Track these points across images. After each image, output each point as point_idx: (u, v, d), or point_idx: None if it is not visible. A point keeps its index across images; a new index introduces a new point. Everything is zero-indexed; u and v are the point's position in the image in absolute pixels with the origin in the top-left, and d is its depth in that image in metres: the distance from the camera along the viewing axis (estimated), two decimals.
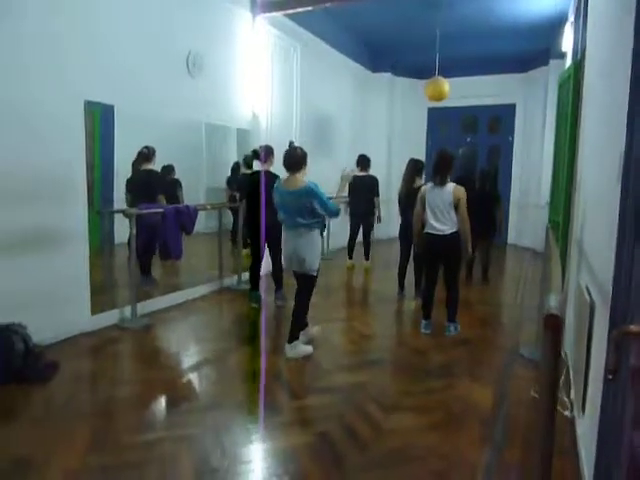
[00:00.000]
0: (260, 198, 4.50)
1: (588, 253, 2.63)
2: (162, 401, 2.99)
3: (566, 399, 2.93)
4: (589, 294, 2.38)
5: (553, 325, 1.25)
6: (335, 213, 3.64)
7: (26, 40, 3.38)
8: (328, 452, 2.41)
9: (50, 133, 3.61)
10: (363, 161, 6.55)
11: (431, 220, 4.10)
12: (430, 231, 4.11)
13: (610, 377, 0.95)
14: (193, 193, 5.62)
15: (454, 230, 4.04)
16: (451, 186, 4.05)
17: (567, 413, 2.78)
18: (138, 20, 4.31)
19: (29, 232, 3.52)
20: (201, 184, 6.02)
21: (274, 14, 5.90)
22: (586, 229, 2.89)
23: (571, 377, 3.12)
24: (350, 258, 6.90)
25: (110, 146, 4.52)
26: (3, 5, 3.23)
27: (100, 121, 4.27)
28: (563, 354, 3.64)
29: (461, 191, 4.03)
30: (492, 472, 2.28)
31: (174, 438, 2.49)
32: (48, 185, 3.63)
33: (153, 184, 4.82)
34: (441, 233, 4.04)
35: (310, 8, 5.67)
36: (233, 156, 6.01)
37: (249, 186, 4.84)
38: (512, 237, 9.61)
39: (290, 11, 5.87)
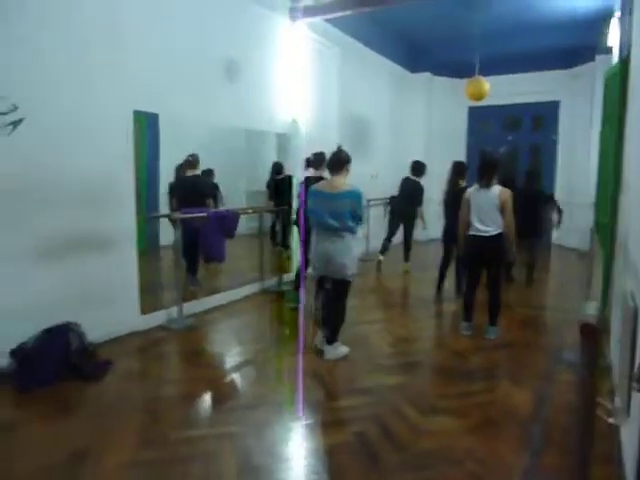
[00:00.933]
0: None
1: (633, 257, 2.57)
2: (206, 399, 3.11)
3: (611, 406, 2.87)
4: (633, 300, 2.33)
5: (589, 333, 1.26)
6: (361, 222, 3.63)
7: (82, 57, 3.60)
8: (366, 452, 2.46)
9: (103, 142, 3.82)
10: (415, 166, 6.69)
11: (476, 222, 4.08)
12: (474, 233, 4.10)
13: (636, 387, 0.97)
14: (235, 196, 5.79)
15: (499, 231, 4.01)
16: (497, 189, 4.02)
17: (612, 420, 2.72)
18: (179, 30, 4.46)
19: (82, 236, 3.73)
20: (242, 187, 6.17)
21: (312, 19, 5.98)
22: (631, 233, 2.82)
23: (616, 384, 3.05)
24: (382, 253, 6.92)
25: (155, 153, 4.72)
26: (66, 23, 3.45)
27: (147, 129, 4.46)
28: (609, 360, 3.55)
29: (507, 193, 4.00)
30: (530, 477, 2.27)
31: (218, 435, 2.60)
32: (99, 192, 3.84)
33: (201, 189, 5.05)
34: (486, 234, 4.02)
35: (349, 12, 5.71)
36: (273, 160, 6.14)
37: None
38: (557, 237, 9.34)
39: (329, 16, 5.94)
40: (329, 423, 2.77)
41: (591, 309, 1.38)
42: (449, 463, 2.35)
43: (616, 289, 3.53)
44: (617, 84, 4.29)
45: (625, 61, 4.20)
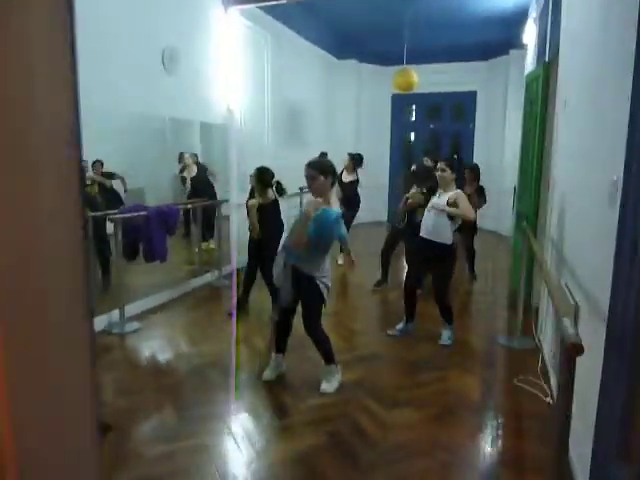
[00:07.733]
0: None
1: (573, 263, 2.81)
2: (170, 410, 3.04)
3: (546, 386, 3.22)
4: (571, 294, 2.64)
5: (573, 353, 1.43)
6: None
7: None
8: (341, 451, 2.57)
9: None
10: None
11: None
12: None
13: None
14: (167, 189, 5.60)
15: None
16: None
17: (549, 400, 3.06)
18: (112, 16, 4.19)
19: None
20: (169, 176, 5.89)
21: (246, 6, 5.84)
22: (567, 237, 3.11)
23: (549, 365, 3.43)
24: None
25: None
26: None
27: None
28: (537, 340, 3.97)
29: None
30: (494, 461, 2.52)
31: (192, 447, 2.59)
32: None
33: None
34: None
35: (284, 1, 5.64)
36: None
37: None
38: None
39: (262, 4, 5.83)
40: (302, 424, 2.83)
41: (569, 327, 1.55)
42: (421, 455, 2.54)
43: (550, 283, 3.89)
44: (539, 86, 4.66)
45: (547, 66, 4.56)
